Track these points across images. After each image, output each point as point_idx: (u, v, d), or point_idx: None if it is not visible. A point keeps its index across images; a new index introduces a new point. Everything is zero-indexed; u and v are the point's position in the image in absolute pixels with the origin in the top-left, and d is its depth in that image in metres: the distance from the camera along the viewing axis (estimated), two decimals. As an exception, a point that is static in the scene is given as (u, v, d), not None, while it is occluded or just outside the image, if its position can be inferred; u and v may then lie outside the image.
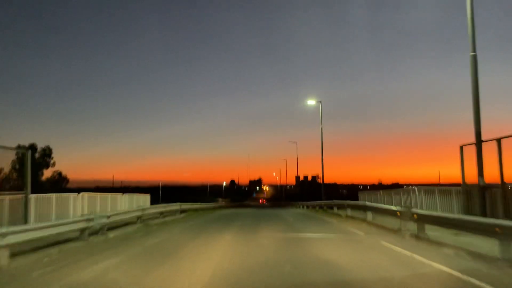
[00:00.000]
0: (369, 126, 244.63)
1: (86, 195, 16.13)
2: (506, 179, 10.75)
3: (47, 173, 60.56)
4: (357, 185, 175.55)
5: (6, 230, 7.66)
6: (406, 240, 10.80)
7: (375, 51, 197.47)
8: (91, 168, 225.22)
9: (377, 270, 6.93)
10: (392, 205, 19.00)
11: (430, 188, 15.71)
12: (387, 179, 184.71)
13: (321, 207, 29.13)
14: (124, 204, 20.48)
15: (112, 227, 13.91)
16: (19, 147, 60.03)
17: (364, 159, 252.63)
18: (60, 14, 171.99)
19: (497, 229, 7.40)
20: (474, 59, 11.57)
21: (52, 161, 61.13)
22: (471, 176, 12.29)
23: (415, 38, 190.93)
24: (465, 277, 6.22)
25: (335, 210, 23.40)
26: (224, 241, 10.77)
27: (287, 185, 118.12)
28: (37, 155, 60.73)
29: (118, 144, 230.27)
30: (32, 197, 12.33)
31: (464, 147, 12.87)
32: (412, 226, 11.83)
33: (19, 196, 11.50)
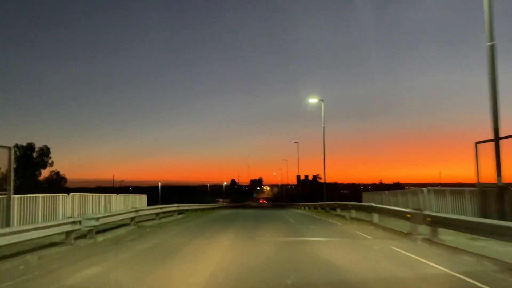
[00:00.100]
0: (369, 126, 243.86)
1: (76, 195, 15.29)
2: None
3: (45, 173, 59.94)
4: (357, 185, 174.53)
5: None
6: (418, 245, 9.95)
7: (376, 51, 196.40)
8: (91, 168, 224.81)
9: (394, 282, 6.09)
10: (398, 206, 18.19)
11: (440, 188, 14.84)
12: (388, 179, 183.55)
13: (323, 207, 28.27)
14: (119, 205, 19.65)
15: (102, 230, 13.10)
16: (16, 146, 58.99)
17: (365, 159, 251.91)
18: (59, 14, 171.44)
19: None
20: (492, 49, 10.69)
21: (50, 161, 60.63)
22: (483, 175, 11.49)
23: (419, 38, 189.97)
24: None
25: (338, 211, 22.55)
26: (221, 247, 9.92)
27: (288, 185, 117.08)
28: (34, 154, 60.16)
29: (119, 144, 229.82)
30: (16, 198, 11.49)
31: (478, 145, 11.98)
32: (424, 230, 11.00)
33: (1, 197, 10.67)
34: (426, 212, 10.64)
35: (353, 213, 18.88)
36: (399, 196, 19.13)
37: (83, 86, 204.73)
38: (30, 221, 12.02)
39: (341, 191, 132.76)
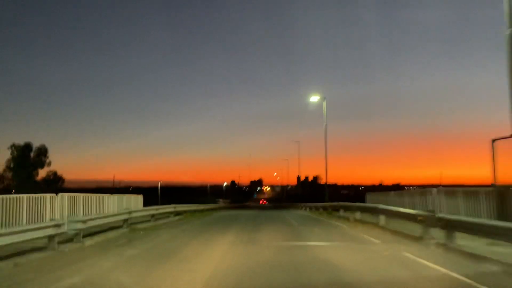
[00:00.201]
0: (369, 127, 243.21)
1: (66, 196, 14.42)
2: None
3: (43, 173, 59.07)
4: (358, 186, 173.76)
5: None
6: (433, 251, 9.11)
7: (377, 51, 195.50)
8: (92, 169, 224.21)
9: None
10: (405, 207, 17.32)
11: (452, 189, 13.98)
12: (388, 180, 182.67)
13: (325, 209, 27.39)
14: (113, 205, 18.77)
15: (92, 233, 12.27)
16: (13, 145, 58.05)
17: (365, 160, 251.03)
18: (59, 14, 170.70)
19: None
20: (511, 37, 9.85)
21: (47, 161, 59.68)
22: (498, 175, 10.67)
23: (420, 38, 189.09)
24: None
25: (341, 212, 21.67)
26: (217, 253, 9.07)
27: (288, 185, 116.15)
28: (32, 154, 59.27)
29: (119, 144, 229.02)
30: (-4, 198, 10.66)
31: (495, 143, 11.12)
32: (437, 234, 10.17)
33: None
34: (441, 215, 9.79)
35: (358, 215, 18.04)
36: (405, 196, 18.27)
37: (83, 86, 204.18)
38: (13, 224, 11.16)
39: (342, 192, 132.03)
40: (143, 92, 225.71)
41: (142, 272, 6.94)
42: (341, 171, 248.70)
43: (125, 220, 14.50)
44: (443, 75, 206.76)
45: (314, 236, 12.47)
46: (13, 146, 57.77)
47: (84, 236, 11.55)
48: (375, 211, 15.00)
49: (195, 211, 28.72)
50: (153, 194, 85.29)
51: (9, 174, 58.51)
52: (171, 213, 21.73)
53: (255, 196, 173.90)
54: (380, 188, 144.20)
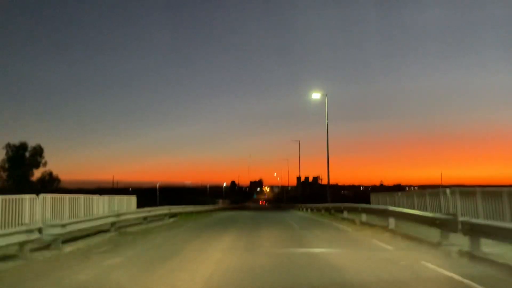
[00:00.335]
0: (369, 128, 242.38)
1: (48, 197, 13.26)
2: None
3: (38, 173, 57.96)
4: (358, 186, 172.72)
5: None
6: (456, 260, 7.99)
7: (378, 51, 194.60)
8: (91, 170, 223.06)
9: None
10: (414, 208, 16.24)
11: (468, 189, 12.85)
12: (389, 181, 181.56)
13: (327, 210, 26.29)
14: (103, 207, 17.62)
15: (75, 238, 11.16)
16: (8, 145, 57.10)
17: (365, 160, 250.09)
18: (57, 14, 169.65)
19: None
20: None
21: (43, 161, 58.65)
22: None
23: (420, 38, 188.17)
24: None
25: (345, 214, 20.56)
26: (211, 262, 7.94)
27: (288, 186, 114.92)
28: (27, 154, 58.19)
29: (119, 145, 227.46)
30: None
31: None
32: (457, 239, 9.08)
33: None
34: (465, 219, 8.66)
35: (364, 217, 16.91)
36: (414, 197, 17.15)
37: (82, 86, 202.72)
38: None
39: (342, 192, 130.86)
40: (143, 93, 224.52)
41: (127, 283, 5.83)
42: (341, 172, 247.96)
43: (113, 223, 13.38)
44: (443, 75, 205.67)
45: (318, 241, 11.35)
46: (8, 146, 56.76)
47: (66, 242, 10.47)
48: (384, 214, 13.87)
49: (192, 212, 27.60)
50: (152, 194, 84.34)
51: (3, 174, 57.44)
52: (165, 215, 20.59)
53: (255, 196, 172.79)
54: (381, 189, 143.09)
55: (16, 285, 6.11)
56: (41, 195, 12.92)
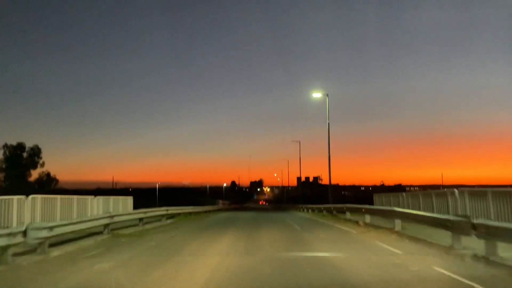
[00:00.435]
0: (370, 128, 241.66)
1: (38, 198, 12.72)
2: None
3: (36, 174, 57.35)
4: (358, 186, 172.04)
5: None
6: (472, 266, 7.41)
7: (378, 52, 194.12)
8: (91, 170, 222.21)
9: None
10: (420, 210, 15.66)
11: (478, 189, 12.26)
12: (389, 181, 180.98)
13: (329, 211, 25.69)
14: (97, 209, 17.08)
15: (65, 241, 10.58)
16: (5, 145, 56.53)
17: (365, 161, 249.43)
18: (56, 14, 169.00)
19: None
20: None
21: (41, 161, 58.01)
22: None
23: (421, 38, 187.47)
24: None
25: (348, 215, 19.96)
26: (207, 267, 7.36)
27: (288, 186, 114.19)
28: (25, 154, 57.57)
29: (119, 145, 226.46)
30: None
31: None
32: (470, 243, 8.52)
33: None
34: (479, 221, 8.07)
35: (367, 218, 16.32)
36: (420, 198, 16.56)
37: (82, 86, 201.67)
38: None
39: (343, 192, 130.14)
40: (143, 93, 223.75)
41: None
42: (341, 172, 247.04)
43: (106, 225, 12.78)
44: (444, 76, 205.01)
45: (321, 244, 10.75)
46: (5, 146, 56.14)
47: (55, 245, 9.90)
48: (390, 215, 13.26)
49: (190, 213, 26.99)
50: (152, 195, 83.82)
51: (0, 175, 56.83)
52: (163, 216, 20.01)
53: (255, 197, 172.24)
54: (381, 189, 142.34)
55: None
56: (30, 196, 12.38)
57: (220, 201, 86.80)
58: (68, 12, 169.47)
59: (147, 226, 16.43)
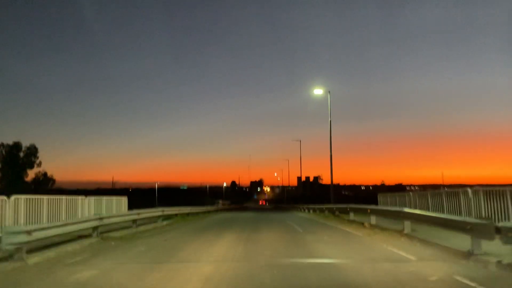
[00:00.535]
0: (370, 128, 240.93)
1: (22, 198, 11.89)
2: None
3: (32, 174, 56.54)
4: (359, 186, 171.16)
5: None
6: (499, 275, 6.57)
7: (378, 52, 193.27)
8: (91, 170, 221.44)
9: None
10: (429, 210, 14.83)
11: (494, 188, 11.41)
12: (390, 180, 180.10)
13: (331, 211, 24.83)
14: (88, 210, 16.22)
15: (46, 246, 9.73)
16: (2, 145, 55.67)
17: (365, 160, 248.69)
18: (56, 15, 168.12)
19: None
20: None
21: (37, 161, 57.22)
22: None
23: (421, 39, 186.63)
24: None
25: (352, 216, 19.11)
26: (199, 279, 6.52)
27: (288, 186, 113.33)
28: (21, 154, 56.74)
29: (119, 145, 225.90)
30: None
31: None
32: (493, 248, 7.68)
33: None
34: (505, 224, 7.23)
35: (373, 220, 15.47)
36: (428, 197, 15.70)
37: (83, 86, 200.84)
38: None
39: (343, 192, 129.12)
40: (143, 93, 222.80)
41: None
42: (341, 172, 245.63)
43: (95, 228, 11.94)
44: (444, 76, 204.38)
45: (326, 248, 9.89)
46: (2, 146, 55.33)
47: (36, 250, 9.05)
48: (399, 216, 12.40)
49: (188, 214, 26.14)
50: (152, 195, 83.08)
51: (-3, 175, 56.05)
52: (159, 217, 19.17)
53: (255, 197, 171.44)
54: (382, 188, 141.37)
55: None
56: (13, 197, 11.55)
57: (220, 201, 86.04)
58: (67, 12, 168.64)
59: (141, 228, 15.59)
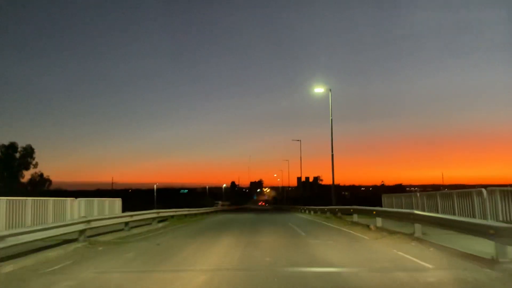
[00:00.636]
0: (370, 128, 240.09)
1: (3, 201, 11.07)
2: None
3: (28, 175, 55.69)
4: (358, 187, 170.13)
5: None
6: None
7: (377, 52, 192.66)
8: (91, 171, 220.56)
9: None
10: (438, 211, 14.01)
11: (509, 188, 10.59)
12: (389, 181, 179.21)
13: (333, 212, 24.01)
14: (78, 212, 15.40)
15: (27, 251, 8.89)
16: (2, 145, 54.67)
17: (365, 161, 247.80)
18: (54, 15, 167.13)
19: None
20: None
21: (34, 162, 56.35)
22: None
23: (421, 39, 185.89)
24: None
25: (355, 218, 18.27)
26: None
27: (288, 187, 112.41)
28: (17, 155, 55.85)
29: (119, 146, 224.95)
30: None
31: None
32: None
33: None
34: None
35: (379, 222, 14.64)
36: (438, 198, 14.88)
37: (83, 87, 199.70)
38: None
39: (343, 193, 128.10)
40: (143, 93, 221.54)
41: None
42: (341, 172, 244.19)
43: (82, 231, 11.10)
44: (444, 76, 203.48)
45: (332, 254, 9.05)
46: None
47: (13, 257, 8.22)
48: (409, 218, 11.55)
49: (185, 215, 25.29)
50: (151, 196, 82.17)
51: (-8, 176, 55.17)
52: (153, 219, 18.33)
53: (255, 198, 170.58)
54: (382, 189, 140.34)
55: None
56: (-7, 199, 10.71)
57: (220, 202, 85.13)
58: (66, 12, 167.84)
59: (134, 231, 14.75)
